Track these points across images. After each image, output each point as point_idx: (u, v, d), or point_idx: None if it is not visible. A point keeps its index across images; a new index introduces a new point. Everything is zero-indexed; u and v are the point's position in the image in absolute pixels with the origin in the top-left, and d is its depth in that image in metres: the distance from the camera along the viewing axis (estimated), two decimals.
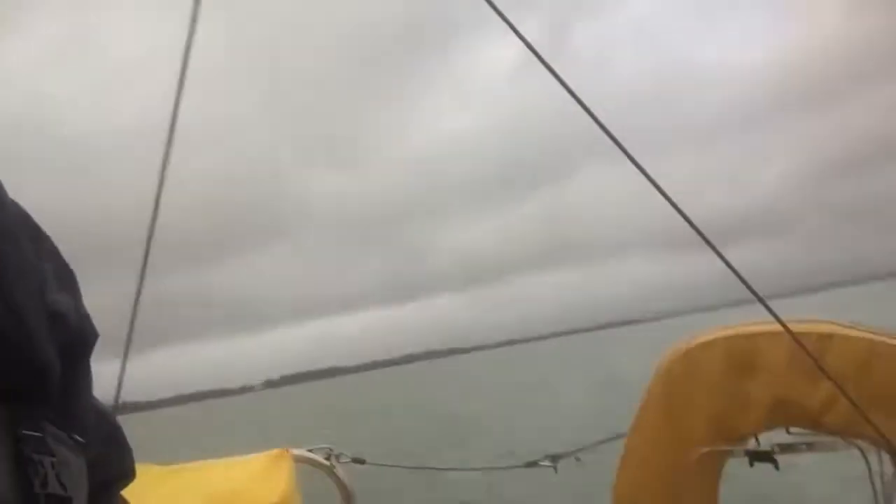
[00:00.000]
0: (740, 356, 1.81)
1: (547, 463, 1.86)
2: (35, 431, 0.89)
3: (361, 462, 2.02)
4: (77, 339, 0.98)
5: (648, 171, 1.56)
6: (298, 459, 1.99)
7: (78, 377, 0.97)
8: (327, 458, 2.03)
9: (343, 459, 2.03)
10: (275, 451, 1.92)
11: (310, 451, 2.05)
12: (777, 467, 1.62)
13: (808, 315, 1.99)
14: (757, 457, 1.64)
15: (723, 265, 1.55)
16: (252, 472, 1.86)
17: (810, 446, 1.70)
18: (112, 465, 1.12)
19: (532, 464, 1.85)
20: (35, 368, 0.90)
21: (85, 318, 1.00)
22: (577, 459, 1.84)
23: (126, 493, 1.48)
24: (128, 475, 1.18)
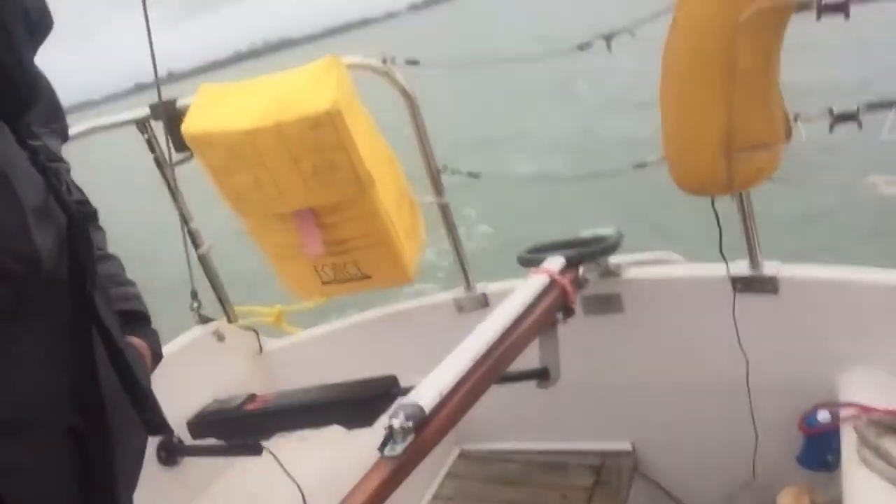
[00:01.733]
0: None
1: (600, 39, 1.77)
2: (36, 142, 0.91)
3: (415, 63, 2.00)
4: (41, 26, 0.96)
5: None
6: (352, 66, 1.99)
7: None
8: (383, 62, 2.02)
9: (399, 62, 2.02)
10: (325, 59, 1.92)
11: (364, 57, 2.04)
12: (860, 126, 1.49)
13: None
14: (840, 119, 1.49)
15: None
16: (301, 81, 1.88)
17: None
18: (58, 124, 1.15)
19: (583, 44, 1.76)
20: (22, 78, 0.89)
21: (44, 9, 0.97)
22: (632, 35, 1.73)
23: (198, 103, 1.50)
24: (66, 133, 1.21)
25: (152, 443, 2.11)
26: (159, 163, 2.26)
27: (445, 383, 1.22)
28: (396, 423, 1.10)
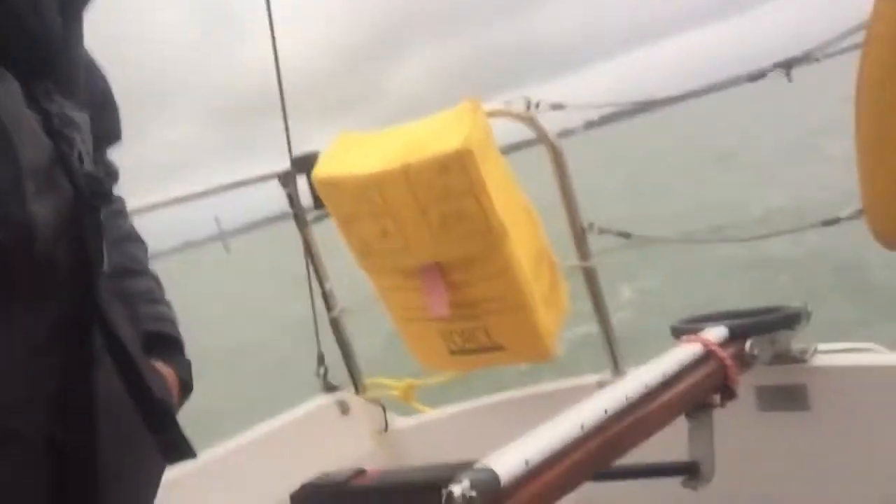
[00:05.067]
0: None
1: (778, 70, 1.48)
2: (51, 105, 0.81)
3: (560, 108, 1.80)
4: None
5: None
6: (492, 113, 1.83)
7: (72, 33, 0.86)
8: (526, 108, 1.84)
9: (542, 108, 1.82)
10: (464, 103, 1.77)
11: (507, 103, 1.87)
12: None
13: None
14: None
15: None
16: (436, 126, 1.74)
17: None
18: (104, 123, 1.00)
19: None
20: (45, 38, 0.80)
21: None
22: (817, 60, 1.43)
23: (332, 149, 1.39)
24: (118, 135, 1.07)
25: None
26: (298, 219, 2.19)
27: (536, 450, 0.93)
28: (457, 490, 0.83)
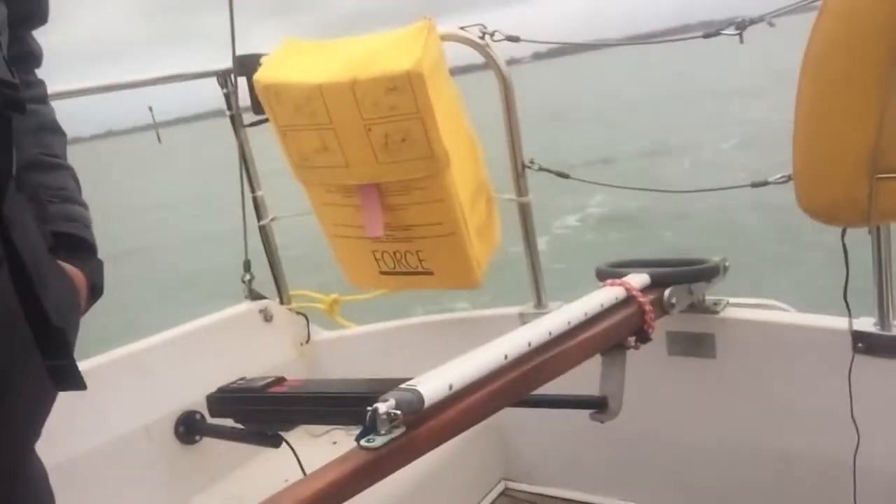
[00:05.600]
0: None
1: (731, 31, 1.50)
2: None
3: (516, 40, 1.79)
4: None
5: None
6: (446, 37, 1.80)
7: None
8: (481, 36, 1.82)
9: (497, 37, 1.81)
10: (418, 23, 1.74)
11: (462, 28, 1.85)
12: None
13: None
14: None
15: None
16: (388, 42, 1.70)
17: None
18: (27, 3, 0.94)
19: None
20: None
21: None
22: (771, 25, 1.46)
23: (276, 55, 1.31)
24: (43, 18, 0.99)
25: (172, 415, 1.95)
26: (234, 122, 2.14)
27: (460, 376, 0.97)
28: (382, 408, 0.86)
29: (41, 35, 1.02)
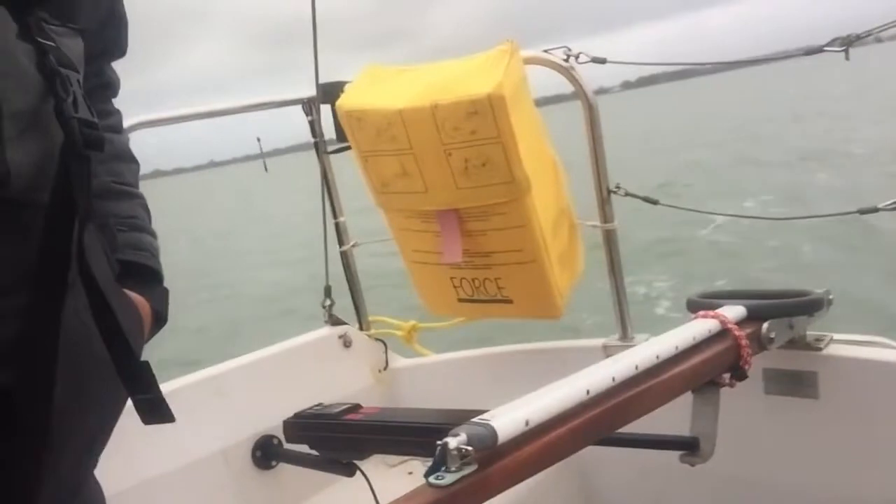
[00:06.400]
0: None
1: (836, 47, 1.41)
2: (47, 40, 0.75)
3: (602, 61, 1.73)
4: None
5: None
6: (529, 60, 1.76)
7: None
8: (565, 59, 1.77)
9: (583, 59, 1.75)
10: (501, 46, 1.70)
11: (546, 51, 1.80)
12: None
13: None
14: None
15: None
16: (470, 67, 1.68)
17: None
18: (105, 37, 0.94)
19: None
20: None
21: None
22: (879, 41, 1.36)
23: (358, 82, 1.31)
24: (122, 51, 1.00)
25: (250, 439, 1.95)
26: (317, 148, 2.15)
27: (538, 411, 0.91)
28: (453, 442, 0.81)
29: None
